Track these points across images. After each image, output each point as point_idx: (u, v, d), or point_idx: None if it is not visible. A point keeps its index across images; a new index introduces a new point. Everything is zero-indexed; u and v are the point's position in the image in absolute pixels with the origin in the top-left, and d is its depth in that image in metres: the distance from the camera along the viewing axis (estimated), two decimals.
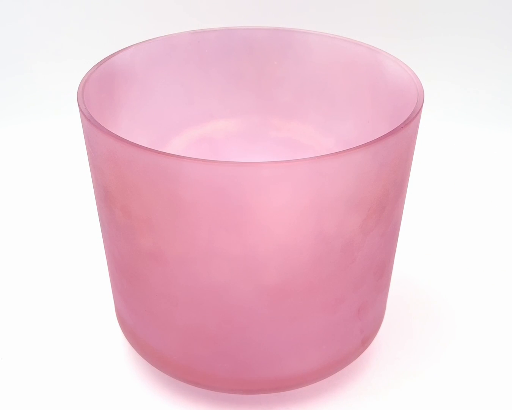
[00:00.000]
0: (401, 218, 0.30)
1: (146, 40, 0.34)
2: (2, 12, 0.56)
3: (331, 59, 0.35)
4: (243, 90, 0.37)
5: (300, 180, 0.24)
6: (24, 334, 0.34)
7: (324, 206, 0.25)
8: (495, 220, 0.44)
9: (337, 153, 0.24)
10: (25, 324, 0.35)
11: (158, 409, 0.30)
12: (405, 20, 0.56)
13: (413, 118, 0.26)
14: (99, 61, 0.31)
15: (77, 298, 0.37)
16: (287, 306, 0.27)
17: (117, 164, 0.25)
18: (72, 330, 0.34)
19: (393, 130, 0.25)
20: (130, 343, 0.31)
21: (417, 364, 0.33)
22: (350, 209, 0.25)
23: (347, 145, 0.34)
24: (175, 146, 0.36)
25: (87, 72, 0.30)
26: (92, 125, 0.26)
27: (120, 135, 0.26)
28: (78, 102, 0.28)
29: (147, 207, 0.25)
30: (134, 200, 0.25)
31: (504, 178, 0.49)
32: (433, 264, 0.39)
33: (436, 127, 0.54)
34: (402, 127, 0.26)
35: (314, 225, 0.25)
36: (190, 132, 0.37)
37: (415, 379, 0.32)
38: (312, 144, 0.37)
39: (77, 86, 0.29)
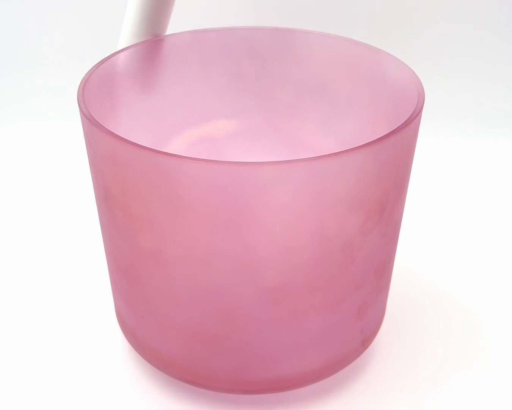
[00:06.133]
0: (401, 218, 0.30)
1: (146, 40, 0.34)
2: (2, 12, 0.56)
3: (331, 59, 0.35)
4: (243, 90, 0.37)
5: (300, 180, 0.24)
6: (24, 334, 0.34)
7: (325, 206, 0.25)
8: (495, 219, 0.44)
9: (337, 153, 0.24)
10: (25, 324, 0.35)
11: (158, 409, 0.30)
12: (406, 20, 0.56)
13: (414, 118, 0.26)
14: (99, 61, 0.31)
15: (77, 298, 0.37)
16: (287, 306, 0.27)
17: (117, 164, 0.25)
18: (72, 330, 0.34)
19: (393, 130, 0.25)
20: (130, 343, 0.31)
21: (417, 364, 0.33)
22: (350, 209, 0.25)
23: (347, 145, 0.34)
24: (175, 146, 0.36)
25: (87, 72, 0.30)
26: (92, 125, 0.26)
27: (120, 135, 0.26)
28: (78, 102, 0.28)
29: (147, 207, 0.25)
30: (134, 200, 0.25)
31: (504, 179, 0.49)
32: (434, 264, 0.39)
33: (437, 128, 0.54)
34: (402, 127, 0.26)
35: (314, 225, 0.25)
36: (190, 132, 0.37)
37: (415, 379, 0.32)
38: (312, 144, 0.37)
39: (77, 86, 0.29)
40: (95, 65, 0.31)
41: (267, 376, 0.29)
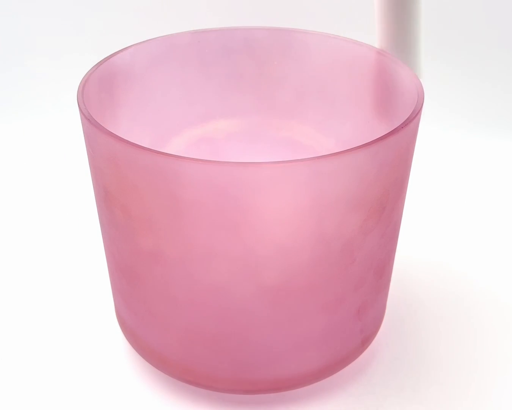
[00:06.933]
0: (401, 218, 0.30)
1: (146, 40, 0.34)
2: (2, 12, 0.56)
3: (331, 59, 0.35)
4: (243, 90, 0.37)
5: (300, 180, 0.24)
6: (24, 334, 0.34)
7: (324, 206, 0.25)
8: (495, 219, 0.44)
9: (337, 153, 0.24)
10: (25, 324, 0.35)
11: (158, 409, 0.30)
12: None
13: (413, 118, 0.26)
14: (99, 61, 0.31)
15: (77, 298, 0.37)
16: (287, 306, 0.27)
17: (117, 164, 0.25)
18: (72, 330, 0.34)
19: (393, 130, 0.25)
20: (130, 343, 0.31)
21: (417, 364, 0.33)
22: (350, 209, 0.25)
23: (347, 145, 0.34)
24: (175, 146, 0.36)
25: (87, 72, 0.30)
26: (92, 125, 0.26)
27: (120, 135, 0.26)
28: (78, 102, 0.28)
29: (147, 206, 0.25)
30: (134, 200, 0.25)
31: (504, 178, 0.49)
32: (433, 263, 0.39)
33: (436, 127, 0.54)
34: (402, 127, 0.26)
35: (314, 225, 0.25)
36: (190, 132, 0.37)
37: (415, 379, 0.32)
38: (312, 144, 0.37)
39: (77, 86, 0.29)
40: (95, 65, 0.31)
41: (267, 376, 0.29)
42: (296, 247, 0.25)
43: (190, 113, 0.37)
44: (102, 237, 0.30)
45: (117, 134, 0.25)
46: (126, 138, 0.25)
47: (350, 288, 0.28)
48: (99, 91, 0.31)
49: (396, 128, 0.25)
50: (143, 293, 0.28)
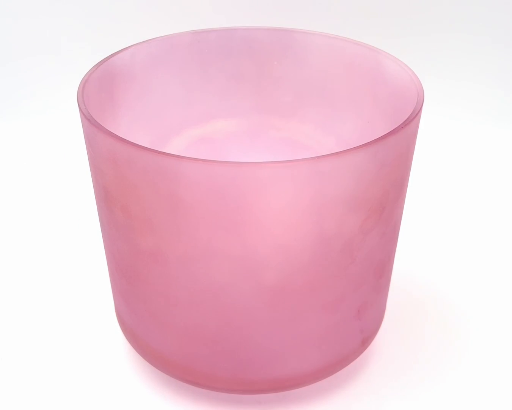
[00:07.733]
0: (401, 218, 0.30)
1: (146, 40, 0.34)
2: (2, 12, 0.56)
3: (331, 59, 0.35)
4: (243, 90, 0.37)
5: (300, 180, 0.24)
6: (24, 334, 0.34)
7: (324, 206, 0.25)
8: (495, 219, 0.44)
9: (337, 153, 0.24)
10: (25, 324, 0.35)
11: (158, 409, 0.30)
12: (405, 20, 0.56)
13: (413, 118, 0.26)
14: (99, 61, 0.31)
15: (77, 298, 0.37)
16: (287, 306, 0.27)
17: (117, 164, 0.25)
18: (72, 330, 0.34)
19: (393, 130, 0.25)
20: (130, 343, 0.31)
21: (417, 364, 0.33)
22: (350, 209, 0.25)
23: (347, 145, 0.34)
24: (175, 146, 0.36)
25: (87, 72, 0.30)
26: (92, 125, 0.26)
27: (120, 135, 0.26)
28: (78, 102, 0.28)
29: (147, 207, 0.25)
30: (134, 200, 0.25)
31: (504, 178, 0.49)
32: (433, 263, 0.39)
33: (436, 127, 0.54)
34: (402, 127, 0.26)
35: (314, 225, 0.25)
36: (190, 132, 0.37)
37: (415, 379, 0.32)
38: (312, 144, 0.37)
39: (77, 86, 0.29)
40: (95, 65, 0.31)
41: (267, 376, 0.29)
42: (296, 247, 0.25)
43: (190, 113, 0.37)
44: (102, 237, 0.30)
45: (117, 134, 0.25)
46: (126, 138, 0.25)
47: (350, 288, 0.28)
48: (99, 91, 0.31)
49: (396, 128, 0.25)
50: (143, 293, 0.28)
